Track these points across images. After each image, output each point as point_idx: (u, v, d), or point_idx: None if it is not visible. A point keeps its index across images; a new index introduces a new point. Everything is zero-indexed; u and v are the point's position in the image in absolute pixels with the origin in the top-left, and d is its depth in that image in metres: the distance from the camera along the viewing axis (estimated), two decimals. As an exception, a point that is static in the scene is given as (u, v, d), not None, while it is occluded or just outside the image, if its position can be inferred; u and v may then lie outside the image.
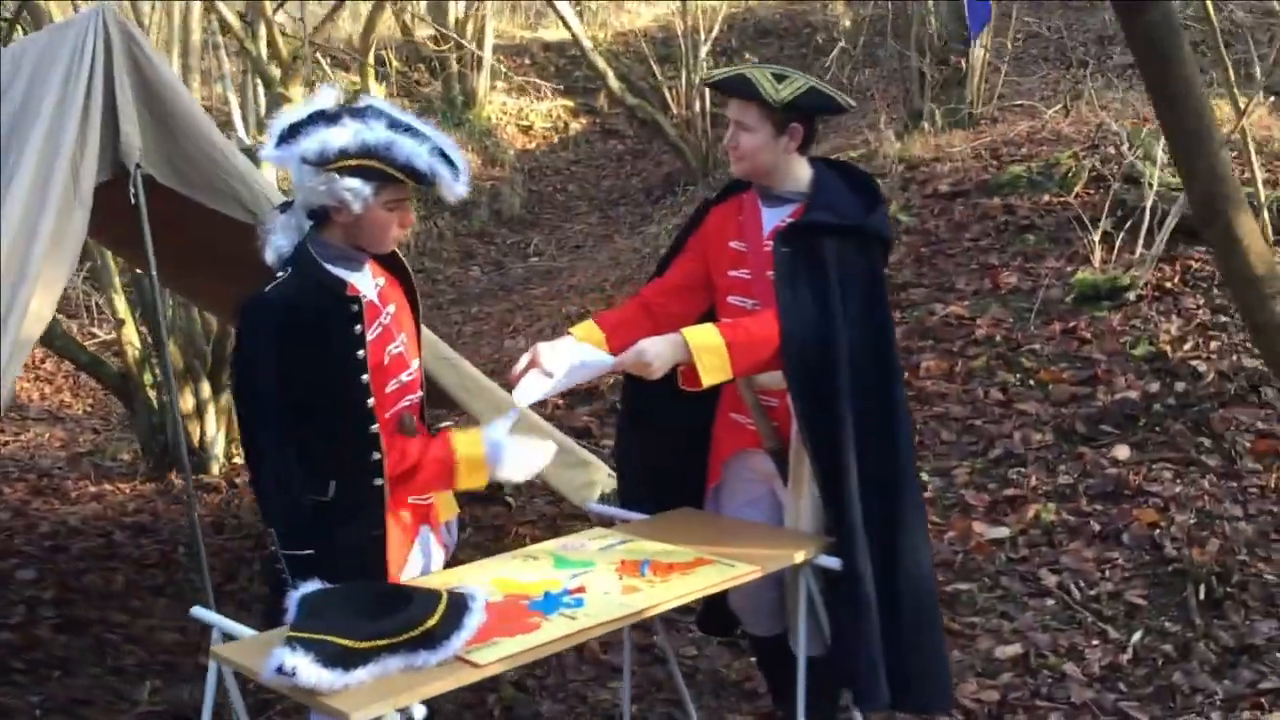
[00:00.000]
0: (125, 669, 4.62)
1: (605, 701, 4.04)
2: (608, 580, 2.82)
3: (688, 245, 3.36)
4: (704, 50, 12.00)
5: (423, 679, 2.35)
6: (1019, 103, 8.88)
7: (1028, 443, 5.15)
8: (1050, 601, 4.21)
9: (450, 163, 2.74)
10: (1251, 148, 5.83)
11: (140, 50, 3.82)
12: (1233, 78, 5.60)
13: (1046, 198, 6.96)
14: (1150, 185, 6.22)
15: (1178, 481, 4.75)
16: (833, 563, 2.97)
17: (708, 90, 11.97)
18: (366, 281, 2.86)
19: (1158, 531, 4.47)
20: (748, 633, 3.52)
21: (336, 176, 2.66)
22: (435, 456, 2.84)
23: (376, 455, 2.77)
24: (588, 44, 12.03)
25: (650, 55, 12.77)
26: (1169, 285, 6.01)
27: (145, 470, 7.09)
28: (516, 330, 8.80)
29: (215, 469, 6.97)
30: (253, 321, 2.78)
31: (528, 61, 14.28)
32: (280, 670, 2.26)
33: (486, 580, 2.82)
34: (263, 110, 6.68)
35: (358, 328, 2.75)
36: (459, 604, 2.44)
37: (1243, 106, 5.54)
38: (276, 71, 6.20)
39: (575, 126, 13.85)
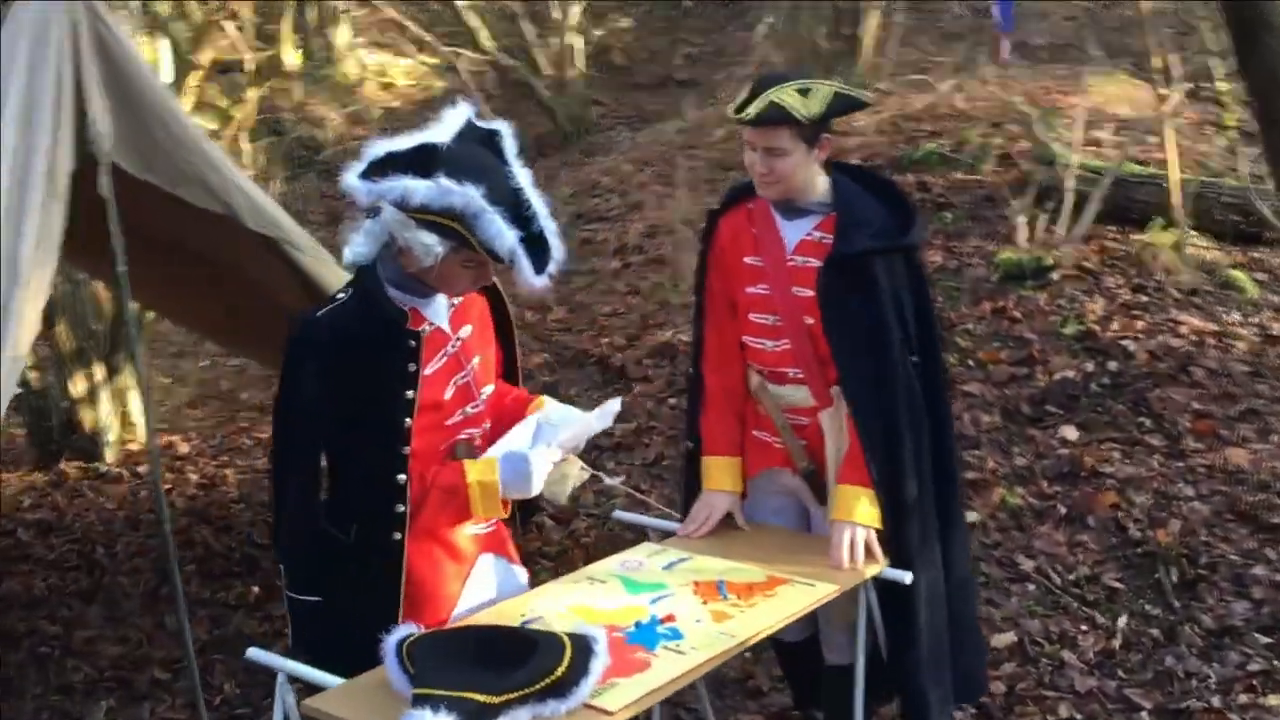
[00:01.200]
0: (72, 687, 4.34)
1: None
2: (692, 606, 2.74)
3: (710, 263, 3.27)
4: (576, 10, 11.82)
5: (553, 729, 2.25)
6: (911, 77, 9.02)
7: (978, 424, 5.27)
8: (1031, 587, 4.32)
9: (541, 248, 2.49)
10: (1171, 136, 6.07)
11: (107, 29, 3.51)
12: (1156, 65, 5.81)
13: (959, 175, 7.11)
14: (1067, 166, 6.40)
15: (1128, 462, 4.93)
16: (903, 576, 2.96)
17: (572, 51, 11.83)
18: (437, 307, 2.68)
19: (1120, 514, 4.63)
20: (775, 639, 3.48)
21: (413, 224, 2.47)
22: (443, 485, 2.65)
23: (401, 508, 2.61)
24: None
25: (521, 13, 12.49)
26: (1088, 265, 6.21)
27: (32, 459, 6.63)
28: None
29: (109, 456, 6.57)
30: (297, 344, 2.59)
31: (386, 17, 13.78)
32: (423, 732, 2.13)
33: (564, 608, 2.72)
34: (170, 76, 6.24)
35: (412, 366, 2.58)
36: (584, 648, 2.34)
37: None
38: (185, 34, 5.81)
39: (439, 85, 13.47)
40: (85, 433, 6.57)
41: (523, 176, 2.52)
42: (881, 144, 7.71)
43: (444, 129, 2.51)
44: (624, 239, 7.92)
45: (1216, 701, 3.66)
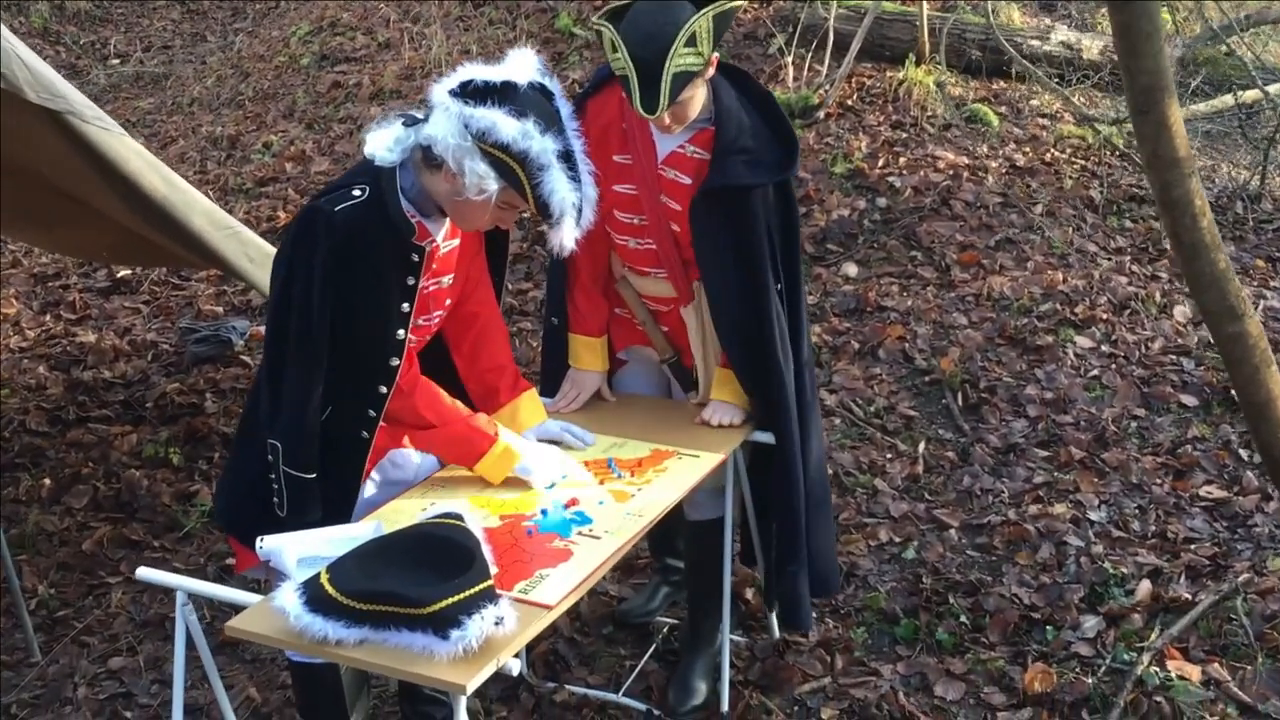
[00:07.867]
0: None
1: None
2: (590, 487, 2.83)
3: None
4: None
5: (503, 632, 2.29)
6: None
7: (766, 266, 5.49)
8: (838, 421, 4.64)
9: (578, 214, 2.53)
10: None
11: None
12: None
13: (719, 11, 7.17)
14: (828, 3, 6.59)
15: (906, 295, 5.30)
16: (766, 437, 3.14)
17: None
18: (439, 224, 2.67)
19: (905, 344, 5.00)
20: (688, 519, 3.42)
21: (479, 154, 2.42)
22: (464, 433, 2.77)
23: (373, 413, 2.70)
24: None
25: None
26: (850, 103, 6.48)
27: None
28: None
29: None
30: (307, 232, 2.55)
31: None
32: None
33: (464, 501, 2.75)
34: None
35: (411, 280, 2.63)
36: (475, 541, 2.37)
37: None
38: None
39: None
40: None
41: (576, 141, 2.51)
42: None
43: (518, 70, 2.48)
44: (379, 82, 7.63)
45: (1012, 514, 4.08)
